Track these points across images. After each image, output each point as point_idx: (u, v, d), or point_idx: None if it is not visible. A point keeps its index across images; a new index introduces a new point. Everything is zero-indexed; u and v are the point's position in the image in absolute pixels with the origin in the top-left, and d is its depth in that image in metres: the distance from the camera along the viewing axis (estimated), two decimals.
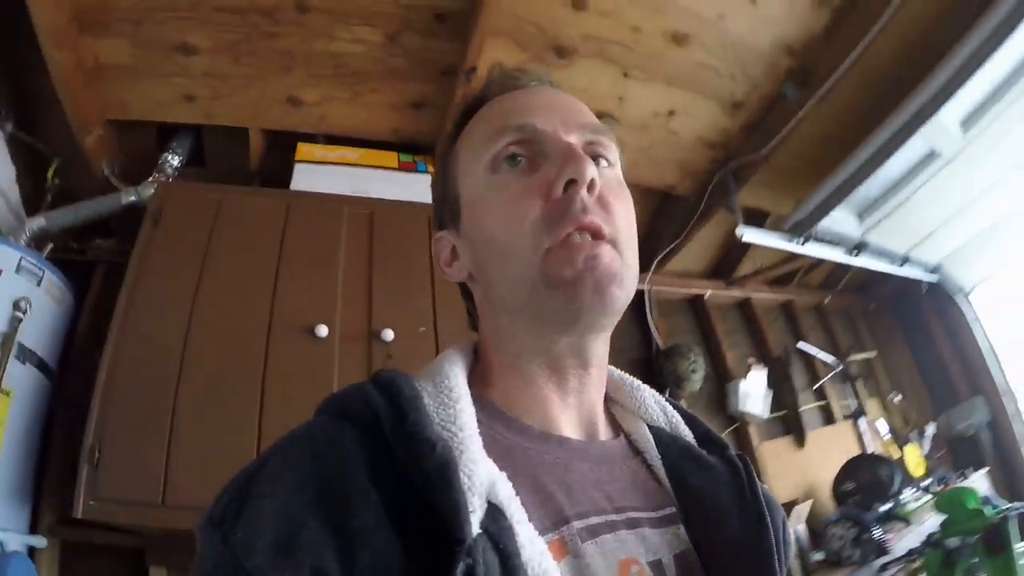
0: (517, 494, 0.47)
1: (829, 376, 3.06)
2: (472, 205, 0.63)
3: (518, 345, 0.60)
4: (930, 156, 2.14)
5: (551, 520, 0.50)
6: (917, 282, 3.09)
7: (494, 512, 0.43)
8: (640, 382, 0.70)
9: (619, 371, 0.71)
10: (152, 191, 1.90)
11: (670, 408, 0.68)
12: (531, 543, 0.44)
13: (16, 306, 1.56)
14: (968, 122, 2.06)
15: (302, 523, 0.40)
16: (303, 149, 1.94)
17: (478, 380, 0.62)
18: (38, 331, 1.62)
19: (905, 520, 2.47)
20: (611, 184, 0.60)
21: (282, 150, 2.05)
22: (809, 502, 2.48)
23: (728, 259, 2.90)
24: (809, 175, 2.27)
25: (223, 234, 1.65)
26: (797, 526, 2.37)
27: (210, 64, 1.77)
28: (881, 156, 2.05)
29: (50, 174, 2.04)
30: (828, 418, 3.01)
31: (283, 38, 1.73)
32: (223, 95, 1.85)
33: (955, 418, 3.19)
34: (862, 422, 3.03)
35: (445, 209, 0.68)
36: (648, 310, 2.64)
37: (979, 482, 2.90)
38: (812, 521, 2.48)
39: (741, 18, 1.84)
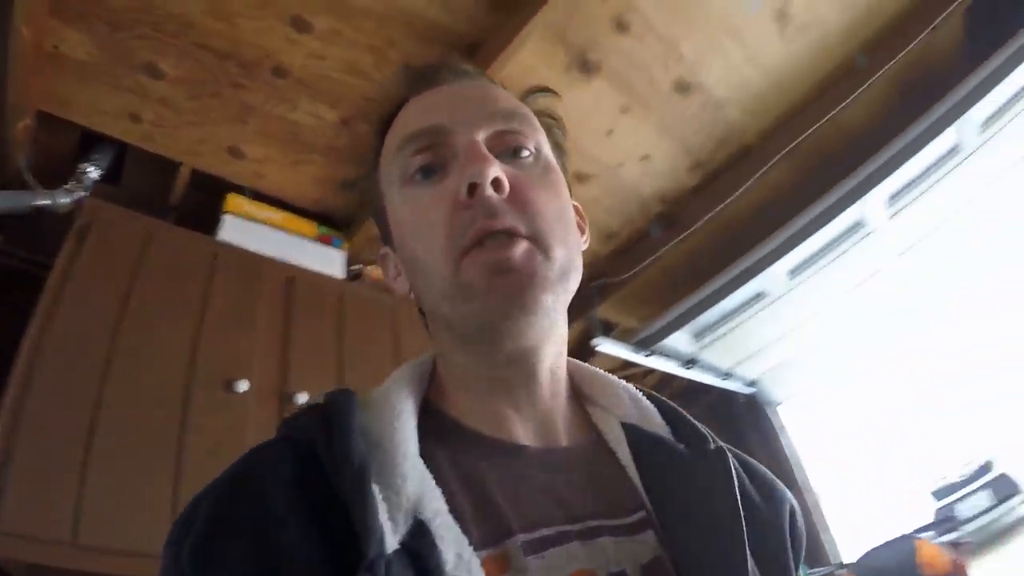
0: (457, 508, 0.47)
1: None
2: (395, 221, 0.62)
3: (459, 358, 0.59)
4: (759, 295, 2.61)
5: (493, 534, 0.48)
6: (736, 393, 3.57)
7: (420, 529, 0.43)
8: (614, 377, 0.67)
9: (590, 367, 0.68)
10: (69, 200, 1.89)
11: (644, 401, 0.64)
12: (459, 559, 0.43)
13: None
14: (794, 271, 2.53)
15: (235, 539, 0.42)
16: (233, 201, 2.01)
17: (435, 392, 0.61)
18: None
19: None
20: (530, 175, 0.57)
21: (206, 193, 2.12)
22: None
23: (585, 345, 3.28)
24: (659, 300, 2.70)
25: (150, 269, 1.64)
26: None
27: (169, 92, 1.83)
28: (722, 293, 2.49)
29: None
30: None
31: (249, 92, 1.84)
32: (168, 125, 1.91)
33: None
34: None
35: (381, 225, 0.67)
36: None
37: None
38: None
39: (634, 170, 2.24)
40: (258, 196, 2.14)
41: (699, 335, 2.79)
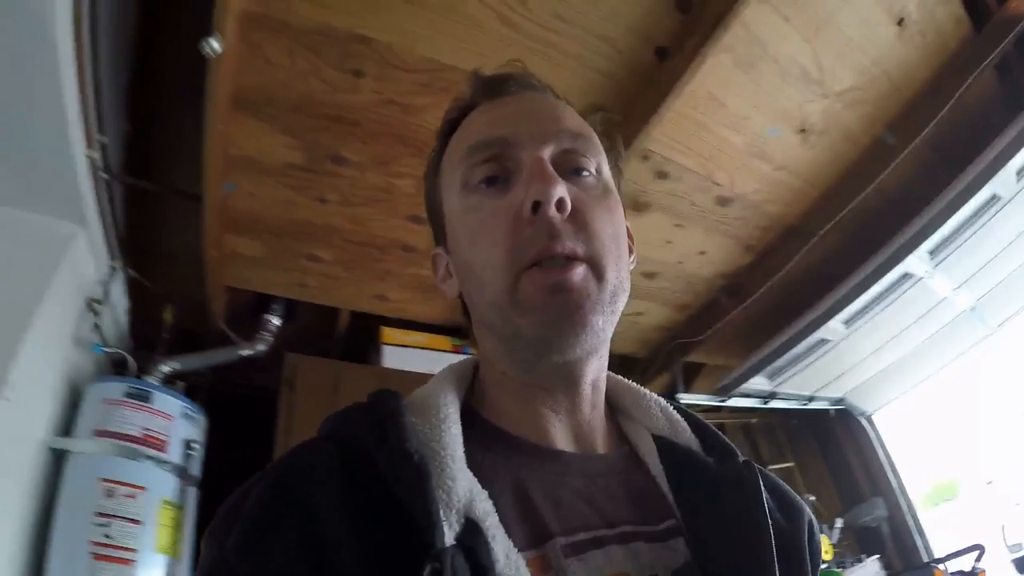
0: (501, 510, 0.48)
1: None
2: (452, 226, 0.62)
3: (504, 365, 0.60)
4: (821, 342, 2.94)
5: (534, 537, 0.50)
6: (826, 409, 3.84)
7: (471, 528, 0.45)
8: (646, 390, 0.68)
9: (625, 380, 0.69)
10: (264, 347, 2.56)
11: (675, 415, 0.66)
12: (507, 559, 0.45)
13: (188, 445, 2.14)
14: (849, 322, 2.85)
15: (281, 533, 0.44)
16: (387, 333, 2.60)
17: (476, 396, 0.63)
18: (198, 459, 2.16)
19: None
20: (591, 197, 0.58)
21: (362, 327, 2.73)
22: None
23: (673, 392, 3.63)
24: (733, 349, 3.10)
25: (343, 397, 2.12)
26: None
27: (327, 269, 2.41)
28: (786, 347, 2.86)
29: (167, 316, 2.55)
30: None
31: (386, 263, 2.39)
32: (329, 288, 2.50)
33: (859, 514, 3.86)
34: None
35: (436, 226, 0.68)
36: None
37: (871, 565, 3.61)
38: None
39: (693, 262, 2.65)
40: (403, 323, 2.71)
41: (773, 376, 3.14)
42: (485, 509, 0.47)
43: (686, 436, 0.64)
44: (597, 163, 0.61)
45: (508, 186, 0.58)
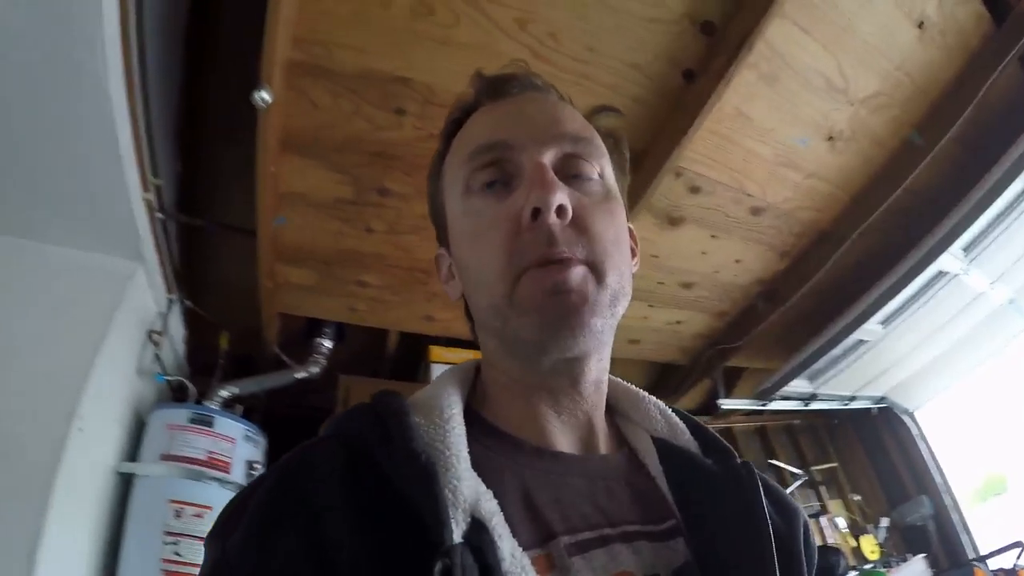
0: (505, 510, 0.48)
1: (796, 484, 3.83)
2: (454, 228, 0.63)
3: (506, 366, 0.60)
4: (859, 343, 2.97)
5: (539, 536, 0.50)
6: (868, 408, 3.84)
7: (477, 527, 0.45)
8: (645, 393, 0.69)
9: (624, 382, 0.70)
10: (318, 369, 2.69)
11: (674, 418, 0.66)
12: (512, 557, 0.45)
13: (250, 466, 2.26)
14: (887, 322, 2.87)
15: (288, 534, 0.44)
16: (435, 351, 2.67)
17: (478, 397, 0.63)
18: None
19: None
20: (592, 201, 0.58)
21: (411, 346, 2.83)
22: None
23: (714, 397, 3.67)
24: (772, 353, 3.14)
25: None
26: None
27: (375, 293, 2.51)
28: (825, 348, 2.89)
29: (223, 343, 2.70)
30: None
31: (432, 285, 2.47)
32: (378, 311, 2.60)
33: (905, 513, 3.87)
34: (823, 519, 3.78)
35: (439, 227, 0.68)
36: None
37: (917, 564, 3.64)
38: None
39: (729, 271, 2.70)
40: (449, 340, 2.78)
41: (813, 378, 3.16)
42: (490, 508, 0.47)
43: (685, 438, 0.65)
44: (599, 166, 0.61)
45: (509, 190, 0.58)
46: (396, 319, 2.69)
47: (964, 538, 3.72)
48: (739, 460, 0.62)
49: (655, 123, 1.94)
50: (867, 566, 3.56)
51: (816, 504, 3.91)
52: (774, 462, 3.87)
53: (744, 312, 3.00)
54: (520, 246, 0.54)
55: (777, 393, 3.12)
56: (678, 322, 2.98)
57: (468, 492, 0.47)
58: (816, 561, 0.64)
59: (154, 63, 1.69)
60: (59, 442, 1.70)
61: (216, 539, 0.47)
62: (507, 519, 0.48)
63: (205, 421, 2.25)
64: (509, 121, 0.61)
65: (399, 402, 0.53)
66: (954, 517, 3.85)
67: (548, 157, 0.57)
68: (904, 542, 3.93)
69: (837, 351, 2.94)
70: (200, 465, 2.13)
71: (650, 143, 2.00)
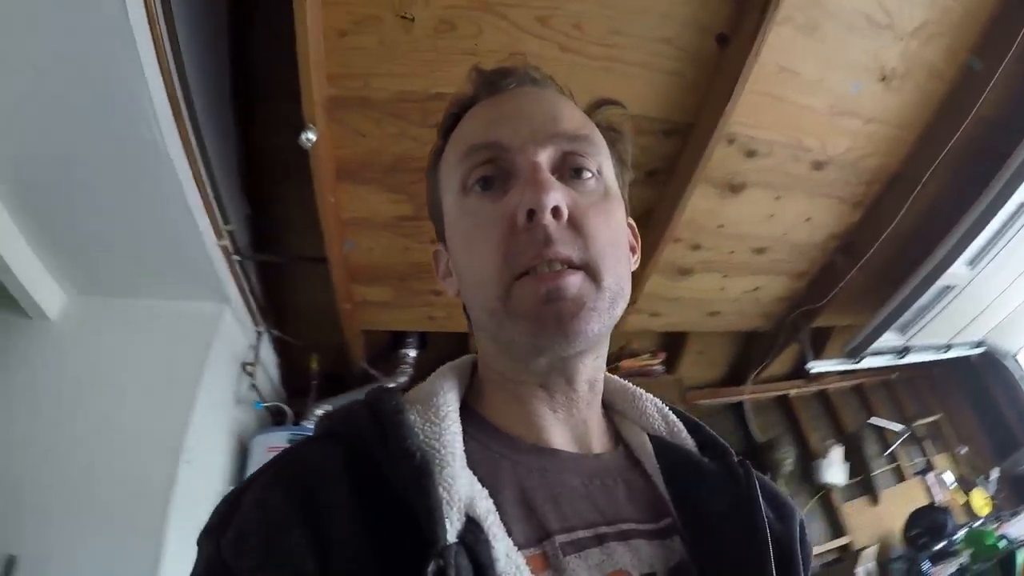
0: (501, 508, 0.48)
1: (899, 442, 3.70)
2: (450, 227, 0.62)
3: (501, 365, 0.60)
4: (947, 288, 2.82)
5: (534, 535, 0.50)
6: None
7: (472, 526, 0.45)
8: (642, 391, 0.68)
9: (620, 379, 0.69)
10: (406, 379, 2.78)
11: (672, 416, 0.66)
12: (507, 557, 0.45)
13: None
14: (974, 262, 2.72)
15: (285, 531, 0.43)
16: None
17: (474, 394, 0.62)
18: None
19: (956, 554, 3.06)
20: (589, 200, 0.57)
21: None
22: (875, 547, 3.10)
23: (804, 361, 3.59)
24: (858, 308, 3.03)
25: None
26: (868, 564, 2.99)
27: (450, 300, 2.51)
28: (911, 298, 2.75)
29: (313, 365, 2.84)
30: (900, 477, 3.65)
31: None
32: (455, 316, 2.62)
33: (1017, 461, 3.73)
34: (930, 476, 3.66)
35: (436, 223, 0.67)
36: (746, 413, 3.42)
37: None
38: (882, 558, 3.13)
39: (801, 230, 2.64)
40: None
41: (903, 330, 3.02)
42: (486, 507, 0.47)
43: (682, 436, 0.64)
44: (598, 164, 0.60)
45: (505, 190, 0.57)
46: None
47: None
48: (736, 459, 0.61)
49: (697, 93, 1.93)
50: (977, 523, 3.39)
51: (921, 460, 3.78)
52: (874, 420, 3.75)
53: (823, 270, 2.92)
54: (515, 248, 0.53)
55: (867, 350, 3.00)
56: (756, 288, 2.92)
57: (463, 491, 0.46)
58: (812, 560, 0.63)
59: (206, 121, 1.81)
60: (170, 476, 1.86)
61: (209, 537, 0.47)
62: (502, 518, 0.48)
63: None
64: (505, 119, 0.59)
65: (395, 400, 0.53)
66: None
67: (544, 156, 0.57)
68: (1017, 493, 3.77)
69: (924, 299, 2.80)
70: None
71: (696, 114, 1.99)
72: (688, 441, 0.64)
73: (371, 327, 2.78)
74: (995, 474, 3.76)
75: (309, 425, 2.59)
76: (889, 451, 3.68)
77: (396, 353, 2.90)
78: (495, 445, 0.56)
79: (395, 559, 0.43)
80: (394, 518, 0.44)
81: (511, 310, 0.53)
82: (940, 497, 3.61)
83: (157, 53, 1.41)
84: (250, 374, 2.49)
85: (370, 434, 0.49)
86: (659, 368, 3.12)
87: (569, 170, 0.58)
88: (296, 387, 2.97)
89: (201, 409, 2.02)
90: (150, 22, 1.35)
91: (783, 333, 3.18)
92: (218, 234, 1.98)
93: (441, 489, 0.45)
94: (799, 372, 3.61)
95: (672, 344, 3.32)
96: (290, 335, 2.81)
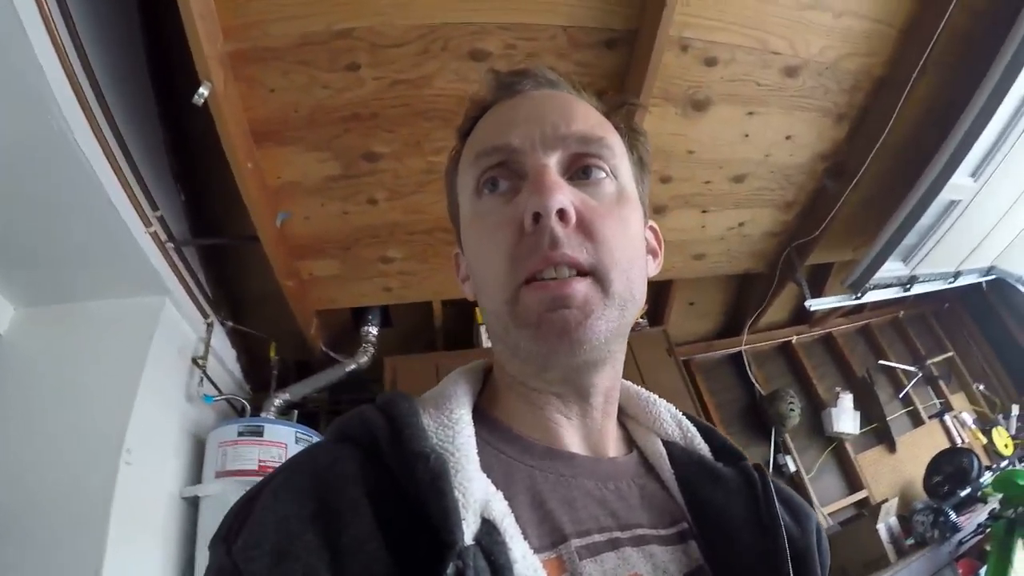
0: (515, 512, 0.47)
1: (912, 383, 3.48)
2: (465, 229, 0.62)
3: (515, 369, 0.60)
4: (951, 204, 2.58)
5: (549, 538, 0.50)
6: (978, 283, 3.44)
7: (488, 528, 0.44)
8: (655, 396, 0.69)
9: (633, 385, 0.69)
10: (367, 358, 2.60)
11: (686, 422, 0.66)
12: (524, 559, 0.44)
13: None
14: (977, 172, 2.49)
15: (297, 535, 0.42)
16: (481, 314, 2.53)
17: (487, 398, 0.62)
18: None
19: (984, 500, 2.85)
20: (601, 203, 0.56)
21: (460, 313, 2.69)
22: (895, 499, 2.86)
23: (796, 321, 3.41)
24: (857, 238, 2.81)
25: None
26: (889, 519, 2.76)
27: (403, 266, 2.39)
28: (912, 218, 2.51)
29: (272, 353, 2.69)
30: (917, 420, 3.42)
31: None
32: (412, 284, 2.48)
33: None
34: (947, 418, 3.43)
35: (456, 226, 0.67)
36: (747, 365, 3.18)
37: None
38: (904, 511, 2.90)
39: (782, 151, 2.40)
40: None
41: (907, 258, 2.80)
42: (501, 509, 0.46)
43: (696, 442, 0.64)
44: (612, 166, 0.58)
45: (516, 193, 0.56)
46: (434, 288, 2.56)
47: None
48: (752, 463, 0.61)
49: None
50: (1003, 464, 3.15)
51: (937, 402, 3.55)
52: (883, 362, 3.52)
53: (813, 196, 2.68)
54: (521, 250, 0.53)
55: (870, 282, 2.75)
56: (741, 224, 2.68)
57: (478, 493, 0.46)
58: (828, 564, 0.62)
59: (118, 103, 1.76)
60: (111, 476, 1.80)
61: (221, 544, 0.45)
62: (517, 521, 0.47)
63: (254, 432, 2.25)
64: (517, 122, 0.58)
65: (408, 403, 0.52)
66: None
67: (553, 158, 0.56)
68: None
69: (927, 219, 2.56)
70: (252, 475, 2.12)
71: (638, 18, 1.77)
72: (703, 447, 0.64)
73: (326, 306, 2.60)
74: (1016, 410, 3.53)
75: (268, 416, 2.44)
76: (903, 394, 3.45)
77: (358, 332, 2.73)
78: (509, 449, 0.56)
79: (411, 563, 0.42)
80: (408, 521, 0.44)
81: (517, 316, 0.53)
82: (962, 439, 3.39)
83: (50, 34, 1.35)
84: (202, 368, 2.37)
85: (384, 437, 0.49)
86: (642, 322, 2.86)
87: (580, 171, 0.57)
88: (260, 379, 2.81)
89: (143, 407, 1.99)
90: (37, 2, 1.30)
91: (778, 274, 2.93)
92: (146, 222, 1.91)
93: (457, 493, 0.44)
94: (800, 317, 3.41)
95: (655, 294, 3.08)
96: (250, 325, 2.67)
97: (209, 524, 2.07)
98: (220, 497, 2.09)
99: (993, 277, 3.42)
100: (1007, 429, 3.43)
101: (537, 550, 0.47)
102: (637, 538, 0.54)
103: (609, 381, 0.61)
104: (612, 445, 0.63)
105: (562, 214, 0.52)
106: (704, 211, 2.55)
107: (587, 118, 0.60)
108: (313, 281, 2.44)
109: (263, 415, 2.44)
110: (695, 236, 2.64)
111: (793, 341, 3.44)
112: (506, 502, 0.47)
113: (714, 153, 2.30)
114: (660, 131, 2.10)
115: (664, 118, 2.07)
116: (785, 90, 2.16)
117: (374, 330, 2.71)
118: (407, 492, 0.45)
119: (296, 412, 2.59)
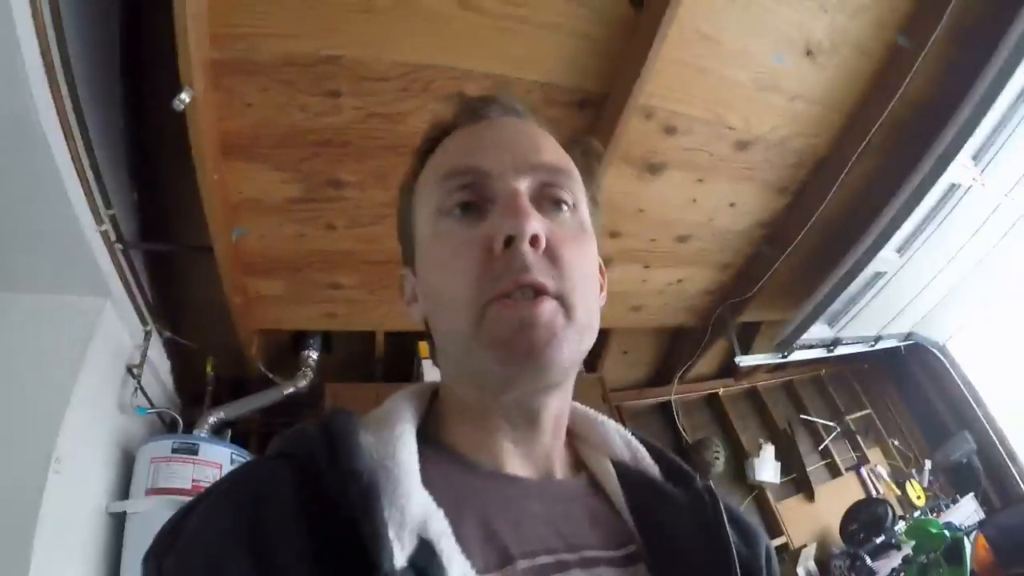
0: (459, 531, 0.46)
1: (831, 437, 3.66)
2: (422, 250, 0.61)
3: (466, 394, 0.58)
4: (876, 276, 2.76)
5: (495, 559, 0.48)
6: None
7: (426, 549, 0.43)
8: (605, 417, 0.68)
9: (582, 406, 0.68)
10: (306, 382, 2.58)
11: (635, 442, 0.65)
12: None
13: None
14: (902, 248, 2.67)
15: (229, 554, 0.41)
16: (425, 347, 2.51)
17: (433, 421, 0.60)
18: None
19: (898, 547, 3.02)
20: (565, 233, 0.56)
21: (401, 345, 2.70)
22: (814, 544, 3.02)
23: (732, 358, 3.49)
24: (786, 300, 2.95)
25: None
26: (808, 563, 2.90)
27: (351, 294, 2.38)
28: (840, 286, 2.68)
29: (208, 368, 2.61)
30: (835, 472, 3.60)
31: None
32: (358, 313, 2.48)
33: (948, 451, 3.69)
34: (864, 470, 3.62)
35: (406, 246, 0.66)
36: (676, 413, 3.29)
37: (967, 505, 3.48)
38: (823, 556, 3.06)
39: (725, 217, 2.52)
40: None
41: (832, 322, 2.96)
42: (440, 529, 0.45)
43: (646, 462, 0.63)
44: (574, 199, 0.59)
45: (482, 216, 0.56)
46: (379, 319, 2.56)
47: (1013, 470, 3.57)
48: (702, 484, 0.60)
49: (609, 60, 1.78)
50: (916, 514, 3.37)
51: (854, 455, 3.75)
52: (806, 416, 3.70)
53: (750, 260, 2.82)
54: (491, 273, 0.52)
55: (797, 342, 2.92)
56: (679, 280, 2.80)
57: (416, 511, 0.44)
58: None
59: (89, 98, 1.68)
60: (38, 485, 1.70)
61: (152, 561, 0.44)
62: (461, 541, 0.45)
63: (189, 450, 2.18)
64: (486, 146, 0.59)
65: (349, 420, 0.50)
66: (1000, 449, 3.69)
67: (524, 185, 0.56)
68: (951, 483, 3.79)
69: (854, 288, 2.74)
70: (184, 495, 2.05)
71: (610, 83, 1.85)
72: (652, 467, 0.63)
73: (267, 326, 2.57)
74: (928, 465, 3.76)
75: (201, 433, 2.36)
76: (822, 447, 3.64)
77: (298, 355, 2.69)
78: (453, 470, 0.54)
79: None
80: (343, 543, 0.42)
81: (482, 336, 0.52)
82: (877, 490, 3.58)
83: (32, 8, 1.29)
84: (136, 377, 2.27)
85: (322, 455, 0.47)
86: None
87: (547, 201, 0.57)
88: (193, 393, 2.72)
89: (76, 413, 1.86)
90: None
91: (710, 329, 3.07)
92: (98, 220, 1.82)
93: (393, 509, 0.43)
94: (727, 370, 3.56)
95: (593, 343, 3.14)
96: (185, 336, 2.58)
97: (135, 541, 2.01)
98: (149, 515, 2.01)
99: (912, 342, 3.63)
100: (920, 482, 3.66)
101: (481, 571, 0.45)
102: (585, 560, 0.52)
103: (560, 405, 0.60)
104: (560, 467, 0.62)
105: (535, 240, 0.52)
106: (647, 266, 2.64)
107: (556, 150, 0.61)
108: (259, 299, 2.41)
109: (196, 432, 2.37)
110: (636, 289, 2.73)
111: (720, 393, 3.57)
112: (446, 521, 0.46)
113: (662, 214, 2.40)
114: (616, 189, 2.18)
115: (620, 177, 2.15)
116: (735, 162, 2.28)
117: (314, 355, 2.68)
118: (343, 511, 0.43)
119: (230, 432, 2.54)
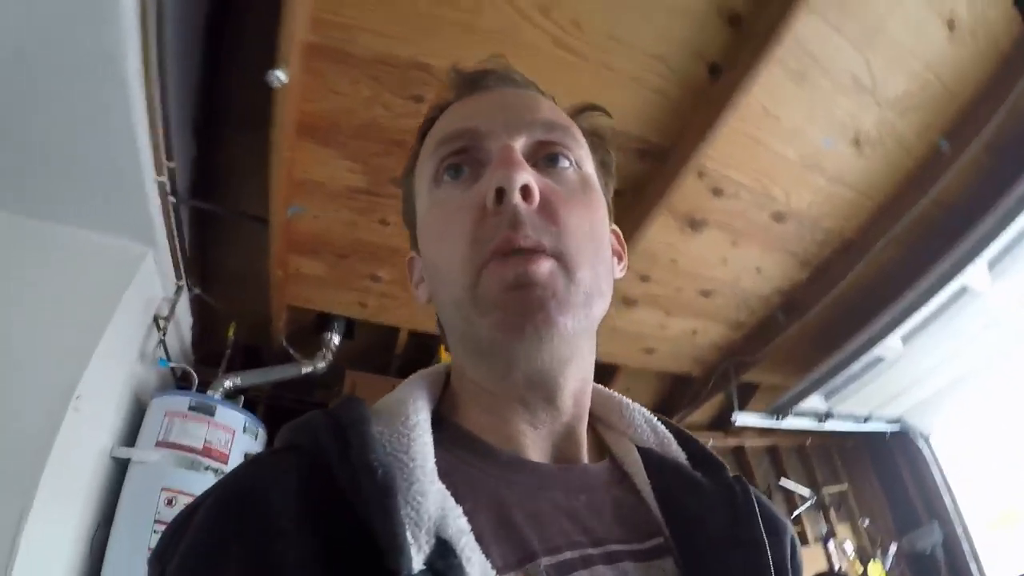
0: (478, 528, 0.44)
1: (805, 506, 3.75)
2: (422, 225, 0.59)
3: (477, 374, 0.55)
4: (878, 360, 2.87)
5: (516, 556, 0.46)
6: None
7: (443, 549, 0.41)
8: (629, 400, 0.65)
9: (605, 388, 0.65)
10: (324, 364, 2.65)
11: (661, 427, 0.63)
12: None
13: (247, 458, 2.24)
14: (907, 338, 2.77)
15: (234, 557, 0.39)
16: (446, 354, 2.60)
17: (448, 404, 0.58)
18: None
19: None
20: (565, 188, 0.54)
21: (422, 347, 2.80)
22: None
23: (728, 412, 3.59)
24: (789, 367, 3.06)
25: None
26: None
27: (387, 288, 2.47)
28: (843, 364, 2.80)
29: (230, 333, 2.68)
30: (803, 540, 3.65)
31: None
32: (389, 308, 2.56)
33: (915, 539, 3.77)
34: (831, 543, 3.70)
35: (411, 229, 0.64)
36: None
37: None
38: None
39: (749, 280, 2.64)
40: None
41: (829, 395, 3.07)
42: (459, 527, 0.43)
43: (672, 448, 0.61)
44: (577, 156, 0.57)
45: (476, 179, 0.54)
46: (406, 317, 2.65)
47: (973, 566, 3.64)
48: (732, 474, 0.58)
49: (679, 119, 1.89)
50: None
51: (824, 527, 3.83)
52: (784, 482, 3.79)
53: (763, 323, 2.93)
54: (483, 231, 0.50)
55: (792, 410, 3.05)
56: (694, 331, 2.91)
57: (433, 509, 0.42)
58: None
59: (172, 47, 1.68)
60: (55, 420, 1.70)
61: (156, 563, 0.43)
62: (480, 538, 0.44)
63: (206, 409, 2.23)
64: (480, 111, 0.57)
65: (360, 409, 0.48)
66: (964, 546, 3.77)
67: (518, 142, 0.54)
68: (912, 570, 3.84)
69: (855, 368, 2.86)
70: (196, 454, 2.10)
71: (675, 140, 1.95)
72: (679, 454, 0.60)
73: (298, 303, 2.64)
74: (893, 549, 3.83)
75: (215, 395, 2.43)
76: (795, 515, 3.72)
77: (320, 336, 2.76)
78: (471, 458, 0.52)
79: None
80: (355, 542, 0.39)
81: (479, 300, 0.49)
82: (840, 565, 3.66)
83: None
84: (162, 329, 2.33)
85: (332, 447, 0.44)
86: None
87: (544, 158, 0.55)
88: (207, 353, 2.81)
89: (102, 355, 1.87)
90: None
91: (712, 381, 3.18)
92: (158, 169, 1.82)
93: (409, 508, 0.41)
94: (718, 424, 3.65)
95: (601, 375, 3.20)
96: (214, 297, 2.65)
97: (135, 489, 2.04)
98: (153, 466, 2.05)
99: (898, 428, 3.75)
100: (883, 564, 3.72)
101: (501, 570, 0.43)
102: (610, 555, 0.49)
103: (577, 382, 0.56)
104: (584, 452, 0.58)
105: (526, 191, 0.49)
106: (668, 313, 2.75)
107: (553, 109, 0.59)
108: (298, 276, 2.47)
109: (210, 394, 2.44)
110: (653, 332, 2.84)
111: (708, 445, 3.60)
112: (465, 518, 0.43)
113: (694, 268, 2.51)
114: (658, 239, 2.29)
115: (664, 228, 2.26)
116: (770, 231, 2.40)
117: (336, 338, 2.74)
118: (355, 508, 0.41)
119: (243, 398, 2.60)
